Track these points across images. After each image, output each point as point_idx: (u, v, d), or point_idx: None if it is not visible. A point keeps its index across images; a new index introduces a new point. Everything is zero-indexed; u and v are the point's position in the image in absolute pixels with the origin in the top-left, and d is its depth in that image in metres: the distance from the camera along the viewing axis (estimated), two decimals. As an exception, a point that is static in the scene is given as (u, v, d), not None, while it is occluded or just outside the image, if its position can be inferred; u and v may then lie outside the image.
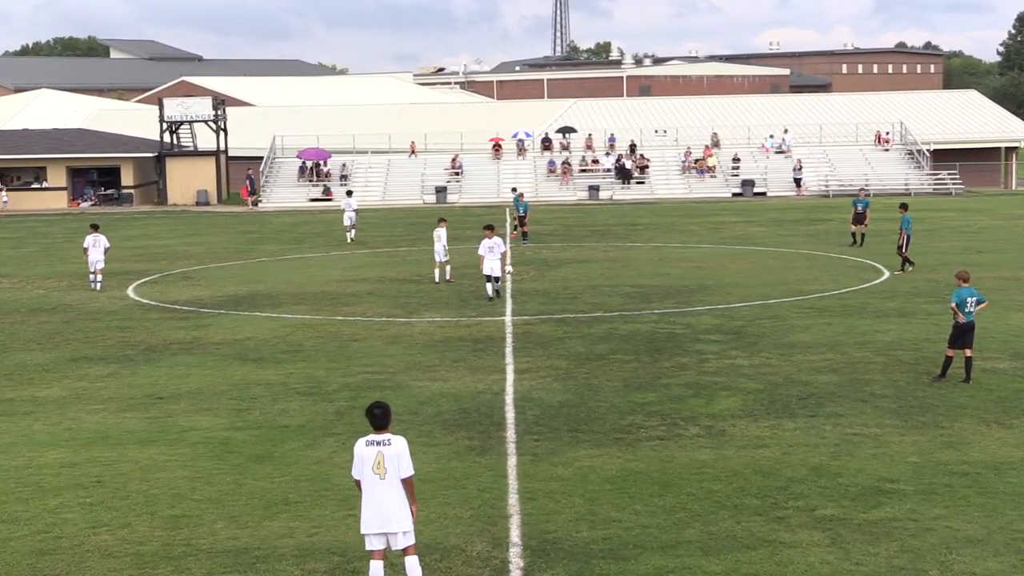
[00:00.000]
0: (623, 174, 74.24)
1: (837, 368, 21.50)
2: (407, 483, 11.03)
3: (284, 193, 73.93)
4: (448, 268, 34.44)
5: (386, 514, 11.03)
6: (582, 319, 27.56)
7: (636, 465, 15.66)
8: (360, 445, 11.12)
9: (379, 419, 11.05)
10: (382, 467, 10.96)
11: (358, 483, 11.18)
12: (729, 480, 14.93)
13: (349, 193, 51.90)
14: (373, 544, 11.21)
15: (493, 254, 30.02)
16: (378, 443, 11.02)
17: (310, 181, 75.01)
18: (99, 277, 34.95)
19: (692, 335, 25.15)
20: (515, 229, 47.94)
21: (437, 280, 34.27)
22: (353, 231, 48.59)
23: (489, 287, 30.33)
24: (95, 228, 35.84)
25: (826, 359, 22.31)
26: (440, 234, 34.20)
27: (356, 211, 49.32)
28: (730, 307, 28.94)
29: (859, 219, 41.91)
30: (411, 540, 11.18)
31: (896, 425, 17.45)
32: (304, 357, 23.63)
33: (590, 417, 18.22)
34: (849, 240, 42.25)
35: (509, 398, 19.60)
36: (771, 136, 78.43)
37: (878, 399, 19.05)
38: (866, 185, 69.50)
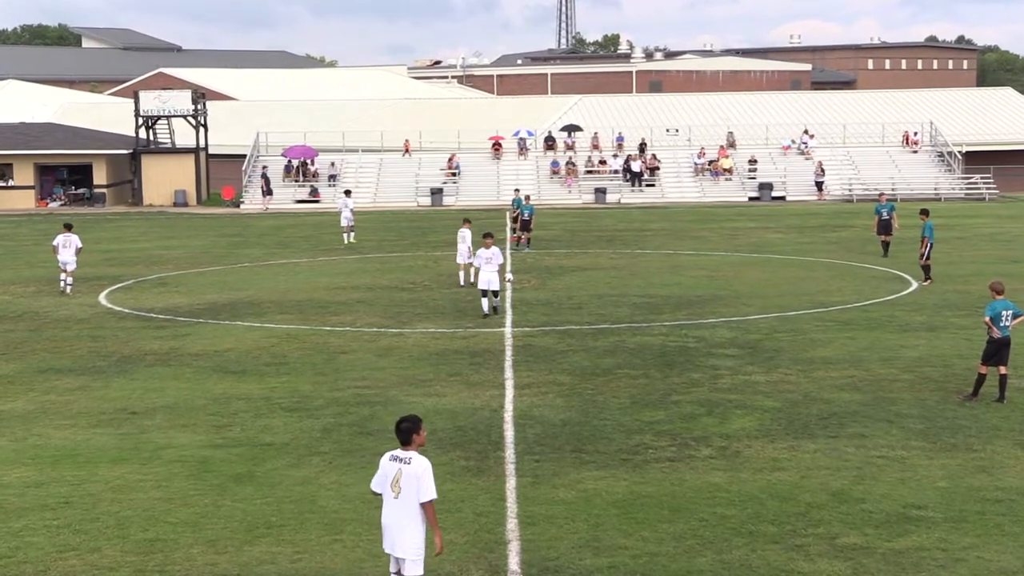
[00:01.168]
0: (633, 176, 74.26)
1: (860, 386, 21.51)
2: (426, 508, 11.06)
3: (268, 194, 73.90)
4: (473, 271, 34.44)
5: (392, 536, 11.14)
6: (587, 331, 27.57)
7: (644, 488, 15.66)
8: (385, 458, 11.31)
9: (403, 434, 11.18)
10: (398, 485, 11.07)
11: (376, 494, 11.37)
12: (744, 505, 14.94)
13: (347, 193, 53.41)
14: (391, 564, 11.30)
15: (491, 265, 29.38)
16: (400, 460, 11.13)
17: (296, 181, 75.04)
18: (69, 279, 35.17)
19: (705, 349, 25.17)
20: (515, 232, 47.98)
21: (462, 283, 34.73)
22: (351, 233, 49.74)
23: (485, 303, 29.71)
24: (68, 228, 36.21)
25: (849, 376, 22.32)
26: (465, 235, 34.33)
27: (354, 211, 50.40)
28: (746, 319, 28.96)
29: (886, 228, 41.49)
30: (415, 571, 11.12)
31: (924, 447, 17.46)
32: (289, 370, 23.64)
33: (595, 436, 18.22)
34: (880, 251, 41.71)
35: (508, 415, 19.61)
36: (792, 141, 78.42)
37: (904, 419, 19.05)
38: (892, 188, 69.65)
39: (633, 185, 74.09)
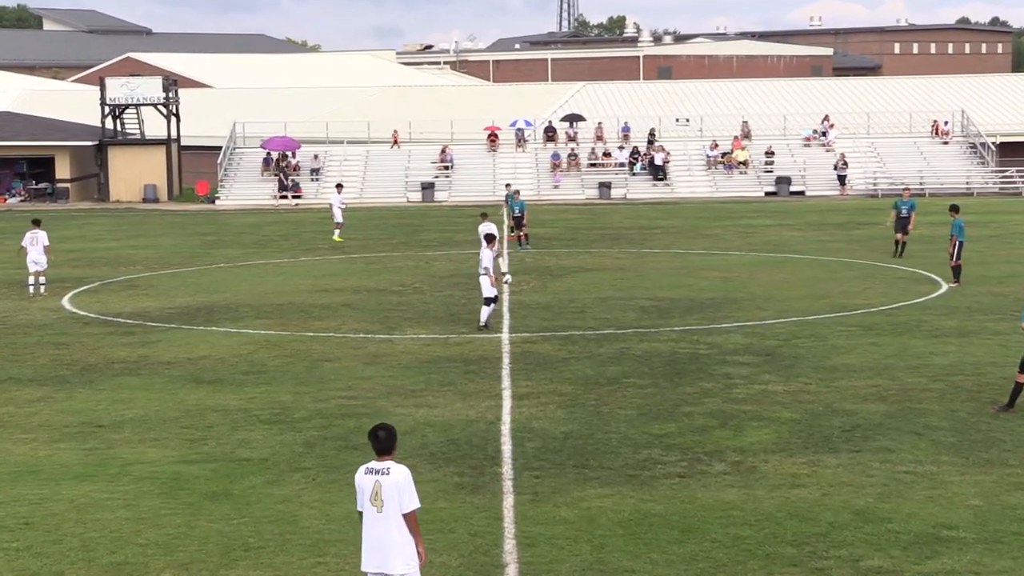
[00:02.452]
0: (656, 171, 73.93)
1: (886, 395, 21.54)
2: (409, 518, 11.17)
3: (245, 189, 73.97)
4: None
5: (384, 552, 11.16)
6: (590, 337, 27.60)
7: (652, 507, 15.68)
8: (359, 474, 11.34)
9: (381, 443, 11.24)
10: (379, 498, 11.14)
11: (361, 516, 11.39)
12: (760, 525, 14.95)
13: (339, 187, 54.46)
14: None
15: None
16: (377, 471, 11.19)
17: (276, 175, 75.06)
18: (41, 279, 35.38)
19: (718, 356, 25.19)
20: (512, 231, 48.04)
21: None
22: (336, 230, 50.18)
23: (484, 312, 28.67)
24: (36, 224, 36.35)
25: (873, 385, 22.34)
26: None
27: (341, 208, 51.09)
28: (762, 324, 28.99)
29: (903, 226, 41.42)
30: None
31: (955, 463, 17.47)
32: (268, 379, 23.65)
33: (599, 451, 18.24)
34: (893, 250, 41.64)
35: (506, 428, 19.63)
36: (814, 131, 78.45)
37: (934, 432, 19.07)
38: (921, 183, 69.79)
39: (655, 179, 73.94)
